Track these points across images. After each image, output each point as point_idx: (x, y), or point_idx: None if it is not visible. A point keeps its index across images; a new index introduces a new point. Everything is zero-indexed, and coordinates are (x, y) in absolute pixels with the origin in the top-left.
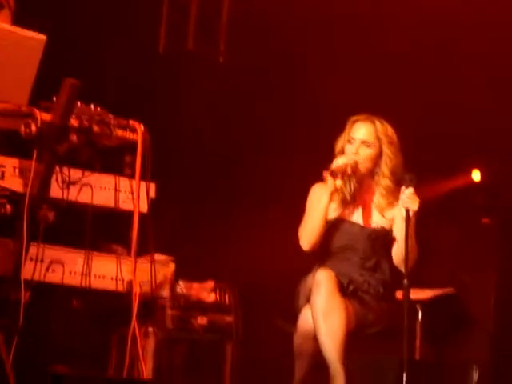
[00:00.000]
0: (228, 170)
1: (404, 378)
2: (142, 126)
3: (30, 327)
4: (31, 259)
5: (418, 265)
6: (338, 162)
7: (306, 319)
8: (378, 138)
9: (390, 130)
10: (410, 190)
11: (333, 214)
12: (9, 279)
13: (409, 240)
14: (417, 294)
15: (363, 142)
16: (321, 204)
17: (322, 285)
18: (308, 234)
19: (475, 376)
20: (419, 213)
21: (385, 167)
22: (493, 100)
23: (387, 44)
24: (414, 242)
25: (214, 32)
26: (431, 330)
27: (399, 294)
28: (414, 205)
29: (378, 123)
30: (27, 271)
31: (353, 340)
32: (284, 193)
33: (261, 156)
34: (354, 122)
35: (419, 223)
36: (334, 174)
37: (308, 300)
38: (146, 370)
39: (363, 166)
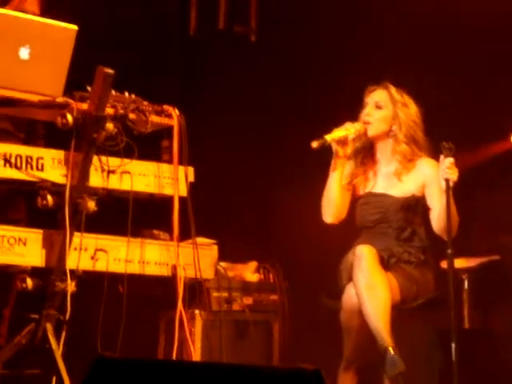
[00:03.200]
0: (263, 150)
1: (453, 347)
2: (176, 111)
3: (78, 316)
4: (75, 249)
5: (462, 234)
6: (337, 130)
7: (349, 296)
8: (392, 101)
9: (407, 97)
10: (450, 159)
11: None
12: (54, 270)
13: (450, 210)
14: (462, 263)
15: (375, 104)
16: (330, 173)
17: (363, 260)
18: (326, 205)
19: None
20: (458, 181)
21: (399, 131)
22: None
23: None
24: (455, 211)
25: (245, 10)
26: (479, 298)
27: (444, 264)
28: (453, 175)
29: (392, 88)
30: (72, 261)
31: (399, 313)
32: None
33: (296, 134)
34: (370, 90)
35: (459, 191)
36: (338, 142)
37: (350, 278)
38: (195, 351)
39: (375, 128)
